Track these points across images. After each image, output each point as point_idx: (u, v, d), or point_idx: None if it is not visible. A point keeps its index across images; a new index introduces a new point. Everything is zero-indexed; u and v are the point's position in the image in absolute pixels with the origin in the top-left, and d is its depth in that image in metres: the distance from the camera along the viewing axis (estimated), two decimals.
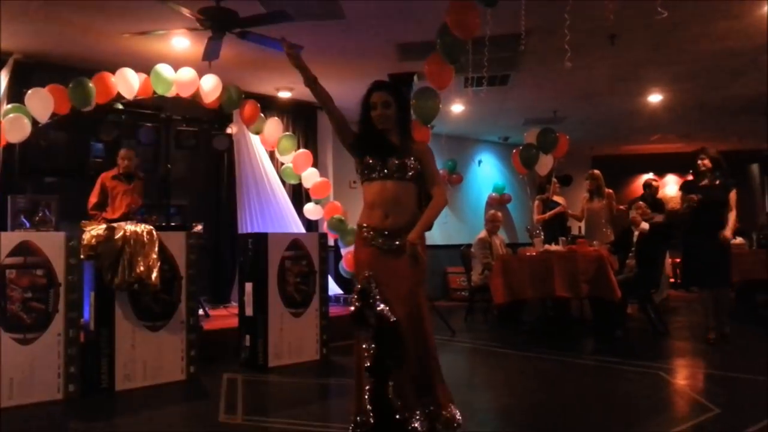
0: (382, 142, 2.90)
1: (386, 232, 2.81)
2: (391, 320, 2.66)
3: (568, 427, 3.31)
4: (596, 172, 7.24)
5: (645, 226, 6.78)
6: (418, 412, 2.68)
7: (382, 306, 2.68)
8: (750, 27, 5.73)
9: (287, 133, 6.85)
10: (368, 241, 2.84)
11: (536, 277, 5.80)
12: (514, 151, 7.05)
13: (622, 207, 7.23)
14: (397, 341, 2.69)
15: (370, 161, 2.87)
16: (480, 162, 11.19)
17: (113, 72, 5.48)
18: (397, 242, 2.79)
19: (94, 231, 4.20)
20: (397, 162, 2.84)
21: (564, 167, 7.85)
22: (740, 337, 5.60)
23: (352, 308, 2.71)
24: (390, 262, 2.79)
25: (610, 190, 7.19)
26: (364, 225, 2.87)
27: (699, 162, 5.51)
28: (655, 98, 8.32)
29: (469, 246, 7.39)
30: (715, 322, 5.46)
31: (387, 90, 2.95)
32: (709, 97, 8.22)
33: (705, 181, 5.47)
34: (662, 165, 12.70)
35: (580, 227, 7.90)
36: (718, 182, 5.44)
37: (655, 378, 4.29)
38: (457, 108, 8.44)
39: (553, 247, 6.19)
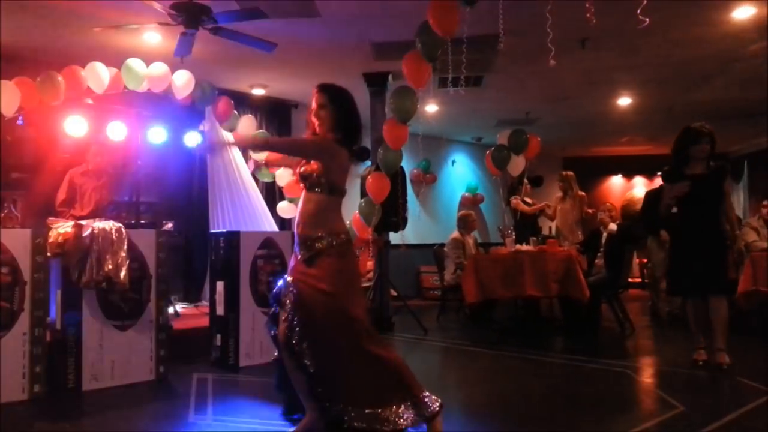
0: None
1: (299, 240, 2.80)
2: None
3: (536, 425, 3.35)
4: (568, 173, 7.35)
5: (613, 227, 6.90)
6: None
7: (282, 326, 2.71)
8: (718, 34, 5.87)
9: (261, 130, 6.80)
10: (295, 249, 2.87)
11: (507, 277, 5.87)
12: (487, 152, 7.11)
13: (590, 210, 7.32)
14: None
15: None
16: (454, 162, 11.26)
17: (83, 66, 5.37)
18: (309, 252, 2.75)
19: (61, 228, 4.13)
20: (302, 171, 2.84)
21: (536, 168, 7.94)
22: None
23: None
24: (306, 271, 2.75)
25: (582, 193, 7.30)
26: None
27: (704, 146, 4.39)
28: (624, 101, 8.48)
29: (442, 246, 7.44)
30: (705, 340, 4.54)
31: (323, 91, 2.88)
32: (677, 102, 8.40)
33: (697, 169, 4.43)
34: (631, 167, 12.95)
35: (550, 227, 8.01)
36: (711, 168, 4.45)
37: (622, 376, 4.38)
38: (431, 108, 8.48)
39: (524, 247, 6.27)
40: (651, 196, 5.67)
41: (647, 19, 3.98)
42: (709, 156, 4.43)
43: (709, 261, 4.31)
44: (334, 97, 2.88)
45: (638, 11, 3.92)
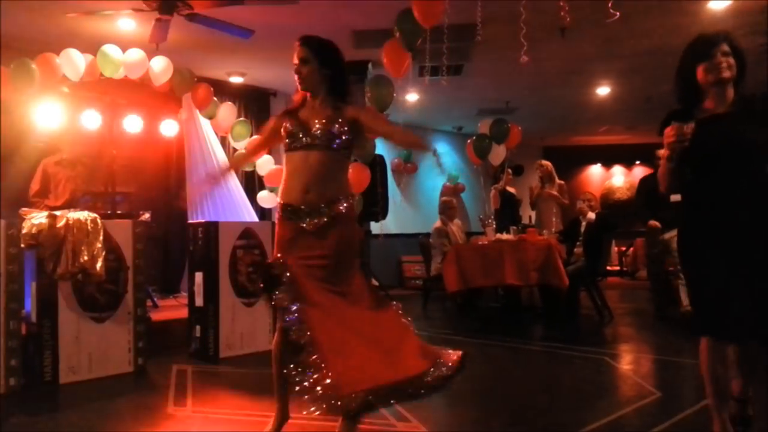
0: (305, 106, 2.72)
1: (305, 209, 2.60)
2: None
3: (515, 411, 3.38)
4: (545, 162, 7.40)
5: (591, 216, 6.97)
6: None
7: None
8: (693, 24, 5.92)
9: (241, 118, 6.73)
10: (288, 220, 2.64)
11: (488, 266, 5.90)
12: (468, 141, 7.12)
13: (566, 201, 7.36)
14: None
15: (291, 128, 2.64)
16: (435, 151, 11.26)
17: (56, 53, 5.25)
18: (322, 219, 2.60)
19: (35, 219, 4.04)
20: (321, 128, 2.61)
21: (516, 157, 7.99)
22: (681, 324, 5.80)
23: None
24: (312, 242, 2.59)
25: (561, 182, 7.35)
26: (283, 203, 2.67)
27: (721, 59, 2.41)
28: (603, 91, 8.54)
29: (427, 235, 7.44)
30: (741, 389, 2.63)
31: (305, 45, 2.66)
32: (655, 91, 8.46)
33: (718, 104, 2.46)
34: (610, 156, 13.08)
35: (530, 217, 8.07)
36: (741, 100, 2.46)
37: (600, 363, 4.43)
38: (411, 97, 8.45)
39: (505, 236, 6.31)
40: (648, 179, 5.22)
41: (618, 13, 4.01)
42: (734, 75, 2.44)
43: (753, 279, 2.30)
44: (320, 52, 2.68)
45: (609, 5, 3.95)
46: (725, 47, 2.44)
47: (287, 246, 2.64)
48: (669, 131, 2.37)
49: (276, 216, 2.73)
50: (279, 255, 2.63)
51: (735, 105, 2.45)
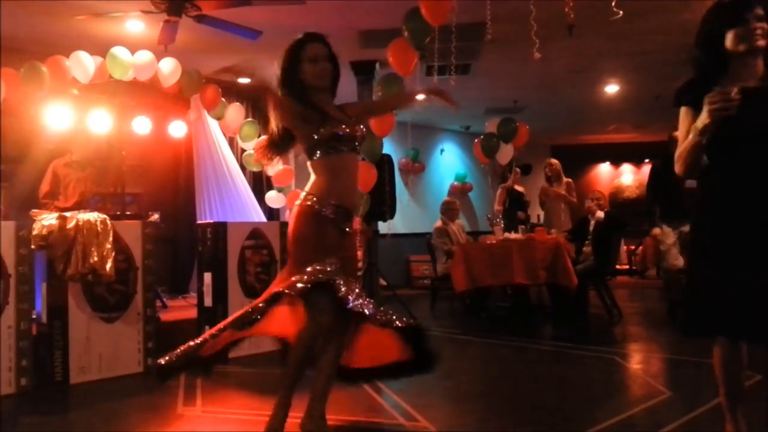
0: (317, 105, 2.68)
1: (351, 212, 2.73)
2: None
3: (524, 411, 3.37)
4: (553, 161, 7.38)
5: (600, 214, 6.94)
6: None
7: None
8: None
9: (249, 119, 6.75)
10: (331, 221, 2.62)
11: (496, 265, 5.89)
12: (476, 140, 7.11)
13: (574, 199, 7.33)
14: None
15: (334, 130, 2.60)
16: (442, 151, 11.26)
17: (65, 56, 5.29)
18: (351, 222, 2.75)
19: (45, 220, 4.07)
20: (360, 131, 2.70)
21: (524, 156, 7.96)
22: None
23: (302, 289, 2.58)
24: (347, 243, 2.74)
25: (569, 179, 7.32)
26: (333, 203, 2.61)
27: (756, 25, 2.14)
28: (611, 89, 8.49)
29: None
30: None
31: (323, 42, 2.67)
32: (663, 89, 8.42)
33: (747, 76, 2.16)
34: (618, 154, 13.02)
35: (539, 215, 8.04)
36: None
37: (610, 362, 4.41)
38: (419, 96, 8.44)
39: (513, 236, 6.29)
40: (659, 165, 5.11)
41: (620, 12, 3.99)
42: None
43: None
44: (332, 52, 2.72)
45: (613, 3, 3.92)
46: (759, 11, 2.15)
47: (333, 249, 2.64)
48: (713, 97, 2.02)
49: (316, 214, 2.62)
50: (329, 259, 2.59)
51: (766, 78, 2.15)
